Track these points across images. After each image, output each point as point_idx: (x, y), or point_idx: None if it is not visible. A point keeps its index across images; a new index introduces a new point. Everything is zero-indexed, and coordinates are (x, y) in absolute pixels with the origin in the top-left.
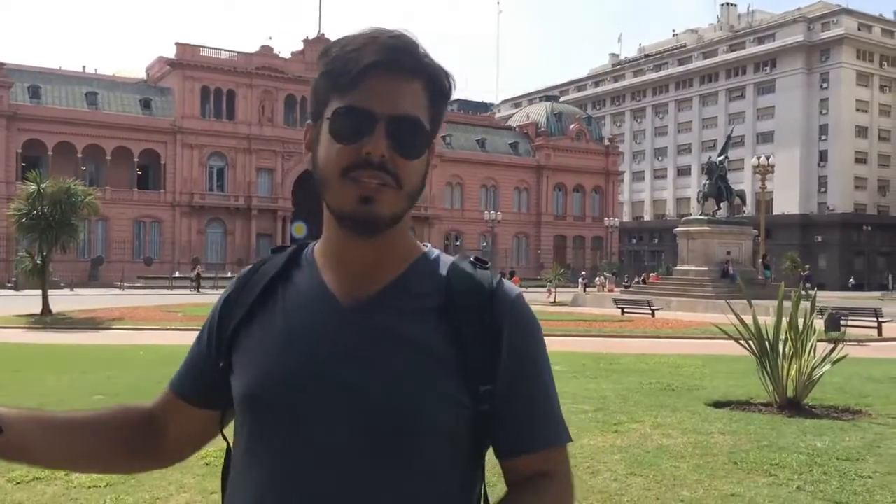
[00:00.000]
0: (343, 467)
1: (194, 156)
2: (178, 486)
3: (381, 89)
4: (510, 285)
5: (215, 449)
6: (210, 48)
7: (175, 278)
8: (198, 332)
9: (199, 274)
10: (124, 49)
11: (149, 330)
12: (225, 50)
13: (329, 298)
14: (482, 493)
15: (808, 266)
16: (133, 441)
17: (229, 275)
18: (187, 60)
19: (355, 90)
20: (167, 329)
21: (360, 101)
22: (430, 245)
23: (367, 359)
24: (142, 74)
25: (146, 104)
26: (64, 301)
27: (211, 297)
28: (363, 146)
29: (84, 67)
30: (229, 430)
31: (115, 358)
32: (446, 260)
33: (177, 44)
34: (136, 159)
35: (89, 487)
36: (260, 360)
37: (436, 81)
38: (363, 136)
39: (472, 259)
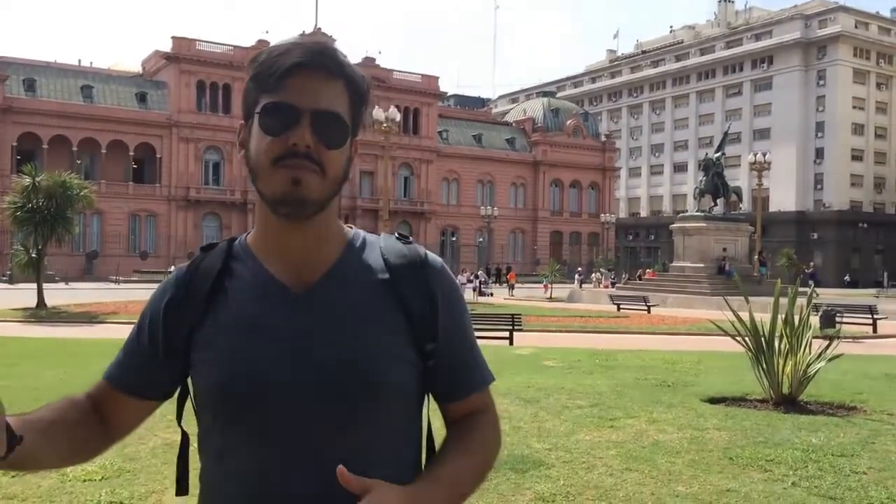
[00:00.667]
0: (318, 435)
1: (190, 150)
2: (172, 480)
3: (305, 87)
4: (434, 256)
5: None
6: (206, 42)
7: (171, 272)
8: (130, 336)
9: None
10: (120, 42)
11: None
12: (221, 44)
13: (279, 286)
14: (427, 434)
15: (812, 263)
16: (84, 434)
17: None
18: (183, 54)
19: (282, 88)
20: None
21: (286, 97)
22: (353, 227)
23: (328, 336)
24: (137, 68)
25: (142, 98)
26: (59, 295)
27: None
28: (290, 137)
29: (79, 60)
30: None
31: (110, 351)
32: (373, 239)
33: (173, 37)
34: (131, 153)
35: (84, 481)
36: (225, 354)
37: (354, 83)
38: (290, 129)
39: (397, 235)
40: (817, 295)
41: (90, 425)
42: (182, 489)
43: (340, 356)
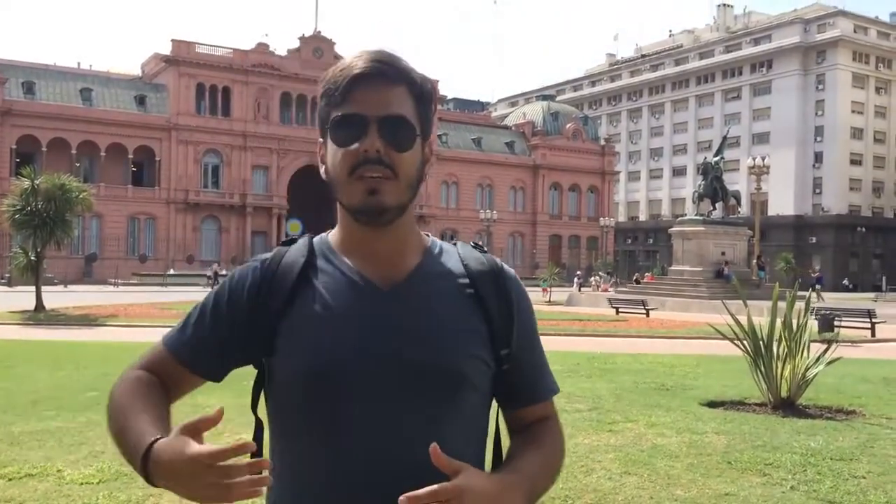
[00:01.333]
0: (399, 425)
1: (189, 153)
2: None
3: (369, 96)
4: (507, 266)
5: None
6: (205, 45)
7: (170, 275)
8: (199, 313)
9: (216, 272)
10: (119, 45)
11: (143, 327)
12: (221, 47)
13: (366, 282)
14: (496, 437)
15: (818, 267)
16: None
17: (224, 272)
18: (182, 57)
19: (347, 101)
20: (162, 326)
21: (352, 109)
22: (429, 234)
23: (414, 332)
24: (137, 71)
25: (141, 101)
26: (58, 298)
27: None
28: (360, 146)
29: (79, 63)
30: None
31: (109, 354)
32: (448, 246)
33: (172, 40)
34: (130, 156)
35: (81, 484)
36: (313, 342)
37: (416, 86)
38: (359, 138)
39: (473, 244)
40: (823, 300)
41: (167, 402)
42: None
43: (426, 352)
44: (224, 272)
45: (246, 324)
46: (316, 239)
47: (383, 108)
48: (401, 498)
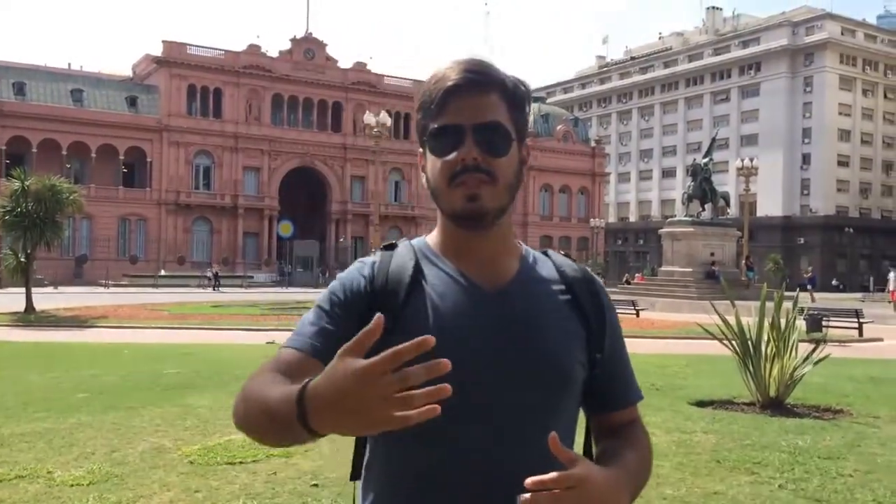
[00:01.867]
0: (510, 422)
1: (180, 154)
2: (161, 485)
3: (463, 106)
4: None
5: (199, 447)
6: (197, 46)
7: (161, 276)
8: (318, 311)
9: (216, 273)
10: (110, 46)
11: (134, 328)
12: (212, 48)
13: (472, 285)
14: (587, 436)
15: (811, 268)
16: None
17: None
18: (174, 58)
19: (443, 112)
20: (152, 327)
21: (448, 120)
22: (521, 242)
23: (522, 333)
24: (128, 72)
25: (132, 102)
26: (48, 299)
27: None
28: (458, 154)
29: (69, 64)
30: None
31: (99, 356)
32: (539, 254)
33: (163, 41)
34: (121, 157)
35: (72, 486)
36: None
37: (509, 90)
38: (456, 147)
39: (563, 253)
40: (815, 300)
41: None
42: (356, 474)
43: (534, 353)
44: (208, 272)
45: (366, 319)
46: (415, 242)
47: (478, 116)
48: (527, 481)
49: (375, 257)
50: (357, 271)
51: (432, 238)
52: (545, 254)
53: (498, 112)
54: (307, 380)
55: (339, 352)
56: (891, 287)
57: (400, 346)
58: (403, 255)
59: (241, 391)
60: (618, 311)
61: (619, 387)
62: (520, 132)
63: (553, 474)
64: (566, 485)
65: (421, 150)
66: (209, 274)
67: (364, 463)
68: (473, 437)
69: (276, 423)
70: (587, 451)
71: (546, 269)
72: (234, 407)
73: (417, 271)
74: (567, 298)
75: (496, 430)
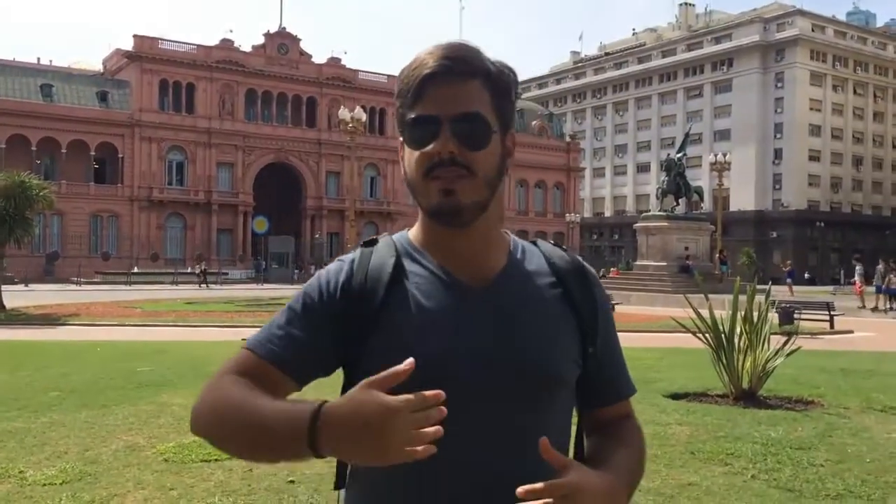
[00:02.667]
0: (499, 424)
1: (153, 149)
2: (135, 483)
3: (440, 95)
4: (588, 265)
5: (174, 444)
6: (169, 41)
7: (134, 274)
8: (288, 314)
9: (204, 270)
10: (80, 40)
11: (106, 326)
12: (184, 42)
13: (456, 283)
14: (578, 433)
15: (789, 262)
16: None
17: (214, 270)
18: (145, 53)
19: (420, 101)
20: (125, 325)
21: (425, 110)
22: (508, 232)
23: (509, 332)
24: (98, 67)
25: (103, 97)
26: (18, 297)
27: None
28: (434, 148)
29: (39, 59)
30: None
31: (71, 354)
32: (529, 245)
33: (134, 36)
34: (92, 153)
35: (44, 485)
36: (412, 341)
37: (492, 78)
38: (432, 139)
39: (553, 243)
40: (793, 293)
41: None
42: (341, 482)
43: (523, 352)
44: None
45: (341, 323)
46: (396, 237)
47: (455, 106)
48: (518, 490)
49: (355, 254)
50: (335, 271)
51: (414, 233)
52: (535, 244)
53: (479, 101)
54: (320, 402)
55: (363, 382)
56: (857, 281)
57: (423, 395)
58: (384, 252)
59: (205, 399)
60: None
61: (611, 381)
62: (504, 122)
63: (546, 482)
64: (560, 493)
65: (401, 139)
66: (197, 270)
67: (349, 471)
68: (462, 441)
69: (268, 438)
70: (578, 446)
71: (535, 261)
72: (194, 414)
73: (398, 269)
74: (558, 292)
75: (485, 432)
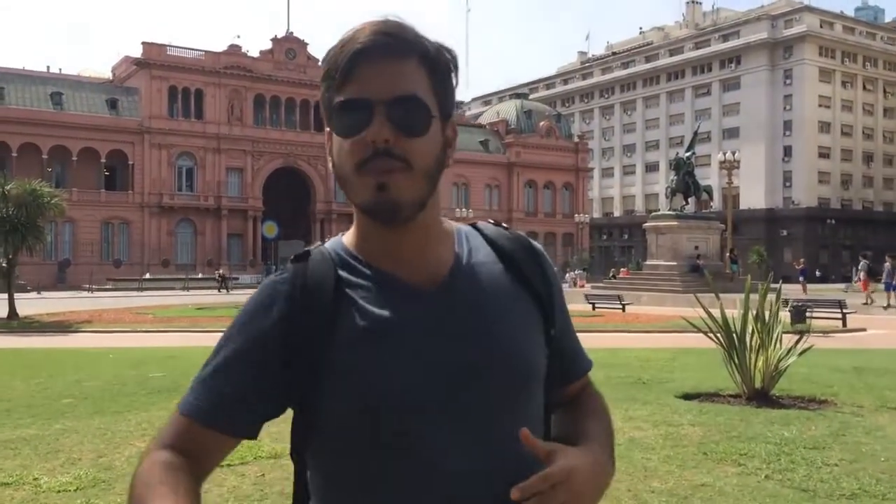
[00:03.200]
0: (476, 423)
1: (162, 156)
2: None
3: (373, 75)
4: (534, 241)
5: None
6: (177, 47)
7: (145, 280)
8: (218, 360)
9: (223, 275)
10: (90, 49)
11: (118, 332)
12: (192, 49)
13: (406, 287)
14: (544, 415)
15: (802, 259)
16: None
17: (200, 275)
18: (154, 60)
19: (349, 82)
20: (137, 331)
21: (355, 92)
22: (445, 218)
23: (473, 331)
24: (108, 74)
25: (113, 104)
26: (31, 305)
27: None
28: (366, 135)
29: (48, 67)
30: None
31: (84, 361)
32: (467, 228)
33: (143, 43)
34: (103, 160)
35: (59, 492)
36: (366, 370)
37: (430, 56)
38: (364, 126)
39: (493, 222)
40: (806, 292)
41: (196, 485)
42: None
43: (492, 350)
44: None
45: (282, 360)
46: (329, 246)
47: (390, 88)
48: (513, 493)
49: (287, 272)
50: (265, 302)
51: (349, 237)
52: (475, 227)
53: (416, 83)
54: None
55: None
56: (862, 277)
57: None
58: (319, 268)
59: (130, 486)
60: (604, 305)
61: (571, 360)
62: (444, 108)
63: (537, 475)
64: (553, 481)
65: (328, 128)
66: (216, 276)
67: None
68: (440, 445)
69: None
70: (545, 425)
71: (482, 248)
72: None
73: (339, 283)
74: (511, 276)
75: (463, 435)
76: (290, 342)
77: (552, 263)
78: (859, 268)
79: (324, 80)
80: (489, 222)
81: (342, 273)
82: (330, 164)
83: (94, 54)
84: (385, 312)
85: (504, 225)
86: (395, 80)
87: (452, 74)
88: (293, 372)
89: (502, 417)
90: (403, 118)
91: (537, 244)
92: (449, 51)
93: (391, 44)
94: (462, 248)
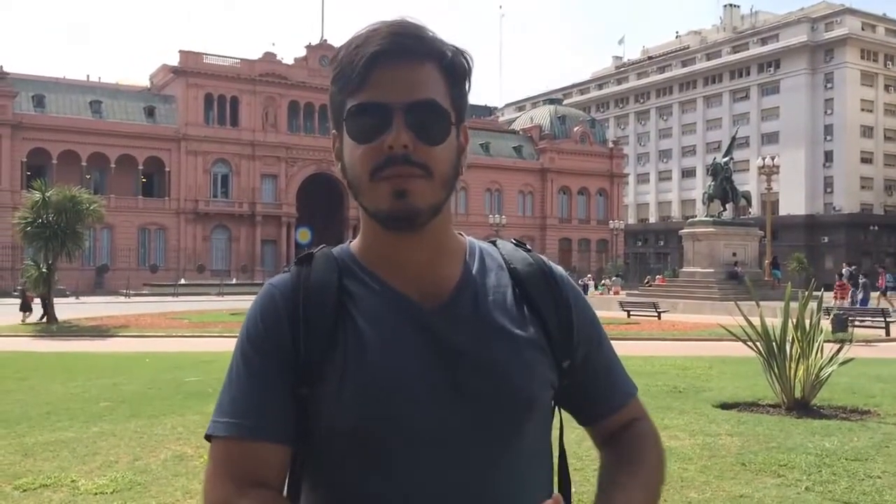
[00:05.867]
0: (467, 454)
1: (198, 163)
2: (184, 492)
3: (391, 79)
4: (555, 264)
5: None
6: (213, 55)
7: (181, 285)
8: (241, 373)
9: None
10: (128, 57)
11: (155, 337)
12: (228, 57)
13: (409, 303)
14: (560, 453)
15: (853, 265)
16: None
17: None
18: (190, 68)
19: (365, 86)
20: (173, 336)
21: (372, 96)
22: (462, 234)
23: (472, 356)
24: (145, 82)
25: (150, 112)
26: (70, 309)
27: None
28: (384, 141)
29: (88, 76)
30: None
31: (121, 365)
32: (488, 246)
33: (180, 51)
34: (140, 167)
35: (96, 494)
36: (361, 386)
37: (448, 60)
38: (382, 131)
39: (515, 242)
40: (853, 304)
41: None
42: None
43: (490, 378)
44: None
45: (294, 361)
46: (336, 251)
47: (410, 92)
48: None
49: (286, 277)
50: (271, 304)
51: (357, 245)
52: (494, 244)
53: (435, 88)
54: None
55: None
56: (844, 281)
57: None
58: (323, 273)
59: None
60: (639, 313)
61: (610, 388)
62: (459, 113)
63: None
64: None
65: (335, 131)
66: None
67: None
68: (428, 474)
69: None
70: (562, 475)
71: (496, 267)
72: None
73: (341, 291)
74: (522, 301)
75: (452, 465)
76: (296, 345)
77: (576, 288)
78: (843, 274)
79: (335, 82)
80: (511, 241)
81: (345, 282)
82: (338, 168)
83: (132, 63)
84: (383, 327)
85: (527, 245)
86: (413, 84)
87: (467, 79)
88: (300, 373)
89: (490, 445)
90: (423, 124)
91: (559, 269)
92: (465, 54)
93: (410, 46)
94: (472, 266)
